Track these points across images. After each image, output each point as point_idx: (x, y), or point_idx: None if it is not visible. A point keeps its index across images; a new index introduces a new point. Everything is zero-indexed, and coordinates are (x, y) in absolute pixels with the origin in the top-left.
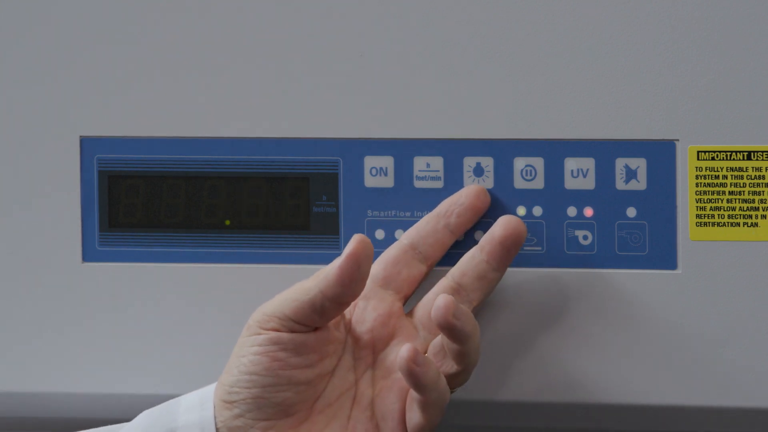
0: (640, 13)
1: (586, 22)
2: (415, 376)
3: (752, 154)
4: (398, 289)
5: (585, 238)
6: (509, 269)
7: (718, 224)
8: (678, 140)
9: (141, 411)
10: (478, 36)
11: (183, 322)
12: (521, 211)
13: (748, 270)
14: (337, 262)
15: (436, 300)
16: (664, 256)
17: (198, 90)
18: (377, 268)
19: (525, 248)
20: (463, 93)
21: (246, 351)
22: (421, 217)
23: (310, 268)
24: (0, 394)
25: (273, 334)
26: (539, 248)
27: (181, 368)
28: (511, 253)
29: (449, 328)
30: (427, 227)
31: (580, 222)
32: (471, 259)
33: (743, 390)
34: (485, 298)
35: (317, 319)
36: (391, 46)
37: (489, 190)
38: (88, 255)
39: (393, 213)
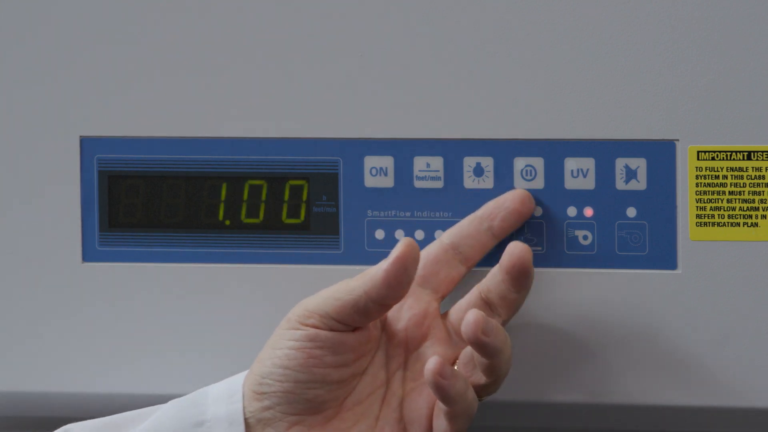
0: (640, 13)
1: (586, 22)
2: (442, 389)
3: (752, 154)
4: (436, 289)
5: (585, 238)
6: None
7: (718, 224)
8: (678, 140)
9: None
10: (478, 36)
11: (183, 322)
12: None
13: (748, 270)
14: (384, 265)
15: (466, 315)
16: (664, 256)
17: (198, 90)
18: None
19: None
20: (463, 93)
21: (282, 344)
22: (421, 217)
23: (310, 268)
24: (0, 394)
25: (312, 330)
26: (539, 248)
27: (182, 368)
28: (520, 280)
29: (479, 345)
30: (470, 228)
31: (580, 222)
32: (494, 277)
33: (743, 390)
34: (511, 316)
35: (359, 319)
36: (391, 46)
37: (489, 190)
38: (88, 255)
39: (393, 213)
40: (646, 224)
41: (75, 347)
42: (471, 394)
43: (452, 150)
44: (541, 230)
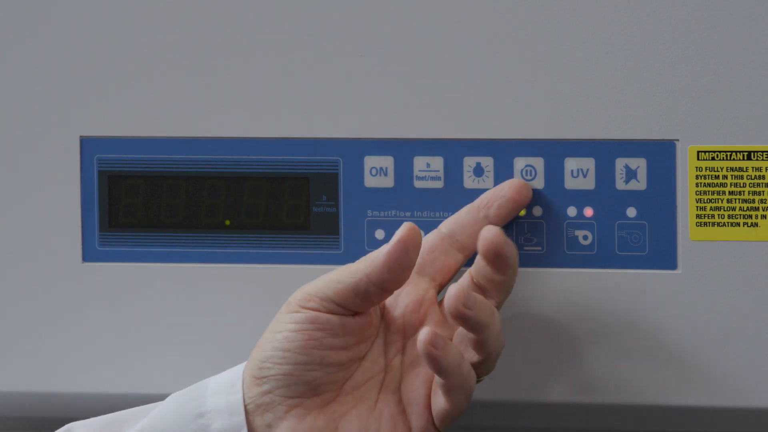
0: (640, 13)
1: (586, 22)
2: (434, 359)
3: (752, 154)
4: (433, 277)
5: (585, 238)
6: None
7: (718, 224)
8: (678, 140)
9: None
10: (478, 36)
11: (183, 322)
12: (521, 211)
13: (748, 270)
14: (385, 248)
15: (448, 290)
16: (664, 256)
17: (198, 90)
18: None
19: (525, 248)
20: (463, 93)
21: (282, 327)
22: (421, 217)
23: (310, 268)
24: (0, 394)
25: (312, 313)
26: (539, 248)
27: (182, 368)
28: (498, 263)
29: (462, 318)
30: (467, 217)
31: (580, 222)
32: (479, 261)
33: (743, 390)
34: (503, 297)
35: (359, 303)
36: (391, 46)
37: (488, 191)
38: (88, 255)
39: (393, 213)
40: (646, 224)
41: (75, 347)
42: (466, 367)
43: (452, 150)
44: (541, 230)
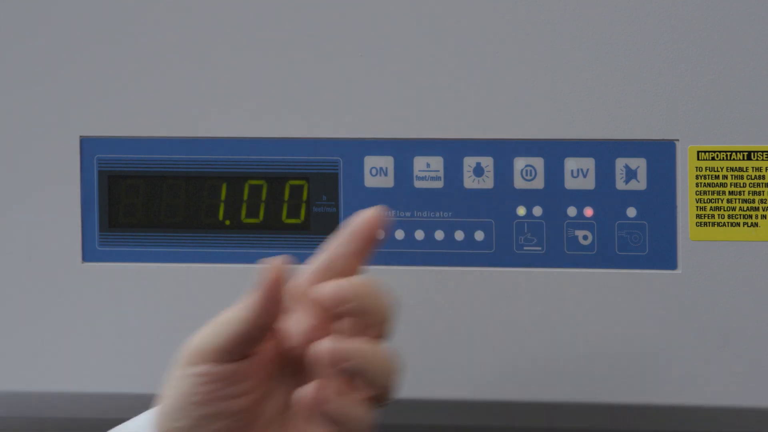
0: (640, 13)
1: (586, 22)
2: (324, 414)
3: (752, 154)
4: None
5: (585, 238)
6: (510, 269)
7: (718, 224)
8: (678, 140)
9: (141, 411)
10: (478, 36)
11: (183, 322)
12: (521, 211)
13: (748, 270)
14: (255, 291)
15: (318, 346)
16: (664, 256)
17: (198, 90)
18: (304, 282)
19: (525, 248)
20: (463, 93)
21: (179, 383)
22: (421, 217)
23: None
24: (0, 394)
25: (202, 367)
26: (539, 248)
27: None
28: (345, 314)
29: (340, 372)
30: (339, 248)
31: (580, 222)
32: None
33: (743, 390)
34: (382, 329)
35: (244, 347)
36: (391, 46)
37: (489, 190)
38: (88, 255)
39: (393, 213)
40: (646, 224)
41: (75, 347)
42: (354, 413)
43: (452, 150)
44: (541, 230)
